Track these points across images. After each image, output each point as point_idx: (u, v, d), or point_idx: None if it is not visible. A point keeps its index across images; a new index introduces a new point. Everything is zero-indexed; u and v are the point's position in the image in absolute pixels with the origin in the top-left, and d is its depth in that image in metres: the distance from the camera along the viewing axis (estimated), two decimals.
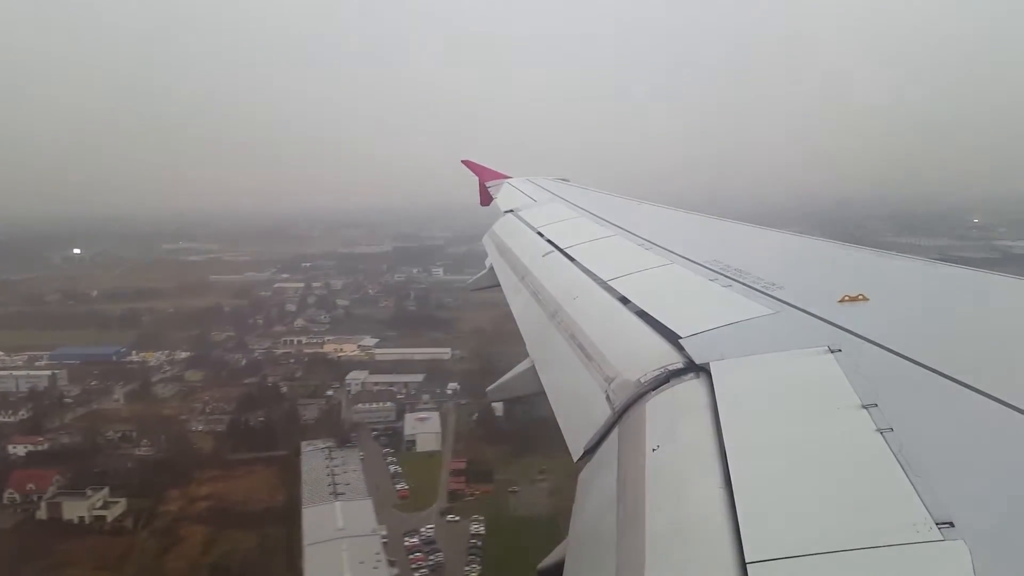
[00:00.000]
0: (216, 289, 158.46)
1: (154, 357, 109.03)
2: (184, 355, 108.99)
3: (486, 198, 18.12)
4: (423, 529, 62.05)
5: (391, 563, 53.10)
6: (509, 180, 18.31)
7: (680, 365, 3.86)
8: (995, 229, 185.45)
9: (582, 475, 3.57)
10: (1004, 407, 2.76)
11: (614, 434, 3.63)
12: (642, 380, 3.86)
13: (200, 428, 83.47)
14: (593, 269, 6.86)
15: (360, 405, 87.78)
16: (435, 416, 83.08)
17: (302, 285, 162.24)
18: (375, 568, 50.49)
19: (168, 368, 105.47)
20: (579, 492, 3.44)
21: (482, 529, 61.52)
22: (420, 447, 76.83)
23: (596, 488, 3.31)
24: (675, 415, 3.41)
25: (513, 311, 7.43)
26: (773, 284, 4.97)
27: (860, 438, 2.68)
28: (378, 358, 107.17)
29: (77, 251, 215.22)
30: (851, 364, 3.33)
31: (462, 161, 21.32)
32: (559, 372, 5.16)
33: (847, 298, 4.34)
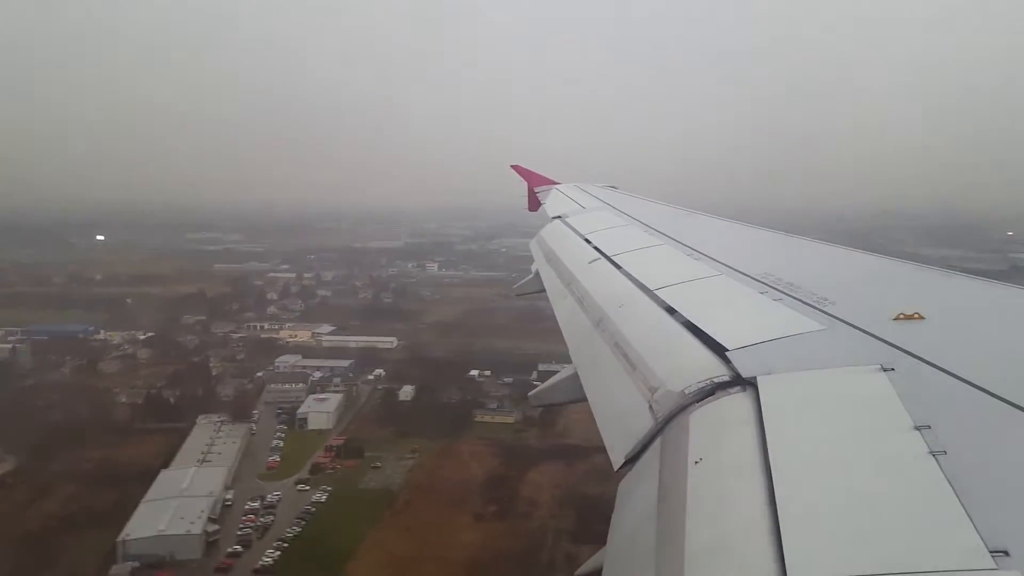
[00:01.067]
0: (212, 277, 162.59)
1: (118, 336, 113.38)
2: (144, 336, 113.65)
3: (534, 203, 18.41)
4: (270, 496, 65.25)
5: (212, 520, 58.29)
6: (558, 186, 18.38)
7: (726, 378, 3.83)
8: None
9: (622, 484, 3.56)
10: None
11: (656, 445, 3.62)
12: (687, 392, 3.83)
13: (123, 400, 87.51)
14: (640, 278, 6.82)
15: (274, 385, 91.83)
16: (335, 398, 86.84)
17: (294, 276, 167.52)
18: (191, 523, 56.10)
19: (127, 347, 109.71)
20: (619, 501, 3.43)
21: (323, 498, 64.84)
22: (311, 425, 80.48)
23: (636, 498, 3.30)
24: (720, 428, 3.37)
25: (558, 317, 7.42)
26: (825, 299, 4.89)
27: (911, 460, 2.63)
28: (325, 344, 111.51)
29: (100, 237, 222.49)
30: (904, 384, 3.27)
31: (512, 166, 21.56)
32: (602, 380, 5.15)
33: (902, 316, 4.25)
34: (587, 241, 9.93)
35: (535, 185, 19.43)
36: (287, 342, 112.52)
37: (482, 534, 57.66)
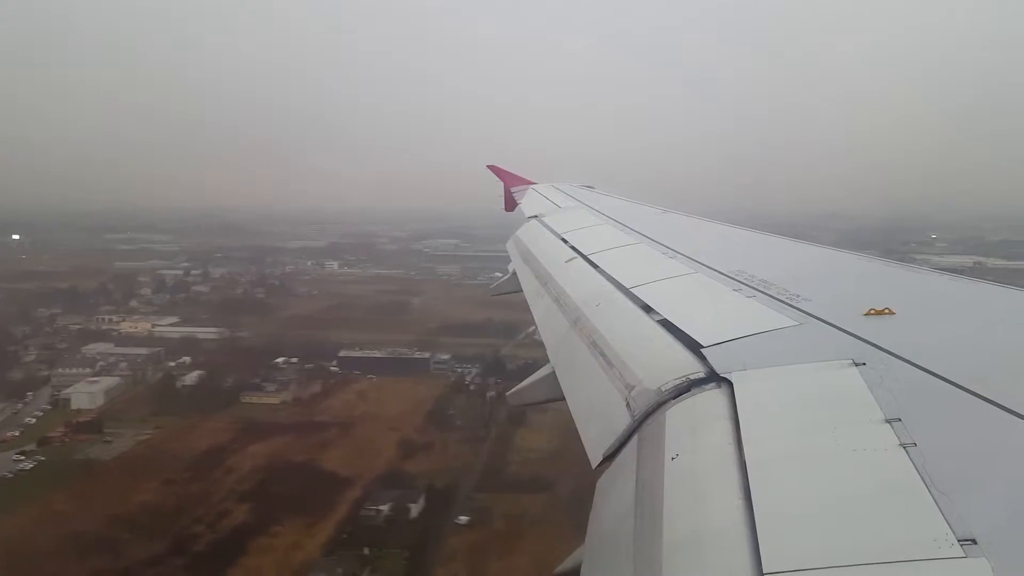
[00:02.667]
0: (102, 273, 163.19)
1: None
2: None
3: (510, 203, 18.23)
4: None
5: None
6: (534, 186, 18.33)
7: (702, 375, 3.85)
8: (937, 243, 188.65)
9: (600, 481, 3.57)
10: None
11: (633, 441, 3.63)
12: (663, 388, 3.85)
13: None
14: (616, 276, 6.85)
15: (62, 370, 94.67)
16: (109, 381, 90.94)
17: (181, 272, 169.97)
18: None
19: None
20: (597, 498, 3.43)
21: (29, 466, 68.65)
22: (74, 404, 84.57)
23: (614, 495, 3.31)
24: (695, 424, 3.39)
25: (535, 316, 7.43)
26: (798, 296, 4.95)
27: (882, 452, 2.66)
28: (157, 335, 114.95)
29: (16, 237, 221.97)
30: (875, 378, 3.31)
31: (488, 166, 21.40)
32: (580, 378, 5.16)
33: (873, 311, 4.32)
34: (563, 240, 9.93)
35: (511, 185, 19.28)
36: (118, 332, 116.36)
37: (154, 496, 61.72)
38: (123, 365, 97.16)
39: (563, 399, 5.10)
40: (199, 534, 56.58)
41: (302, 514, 59.06)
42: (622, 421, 3.88)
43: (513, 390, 6.68)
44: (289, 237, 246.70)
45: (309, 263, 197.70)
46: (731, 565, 2.25)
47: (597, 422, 4.20)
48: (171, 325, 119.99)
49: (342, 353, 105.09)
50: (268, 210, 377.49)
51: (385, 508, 59.40)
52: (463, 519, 59.08)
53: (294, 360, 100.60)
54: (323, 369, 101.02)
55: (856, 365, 3.50)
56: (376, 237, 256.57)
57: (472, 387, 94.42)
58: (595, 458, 3.80)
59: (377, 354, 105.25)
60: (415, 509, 59.80)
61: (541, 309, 7.50)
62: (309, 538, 56.45)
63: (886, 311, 4.31)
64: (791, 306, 4.74)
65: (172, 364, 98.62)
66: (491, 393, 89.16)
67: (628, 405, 4.01)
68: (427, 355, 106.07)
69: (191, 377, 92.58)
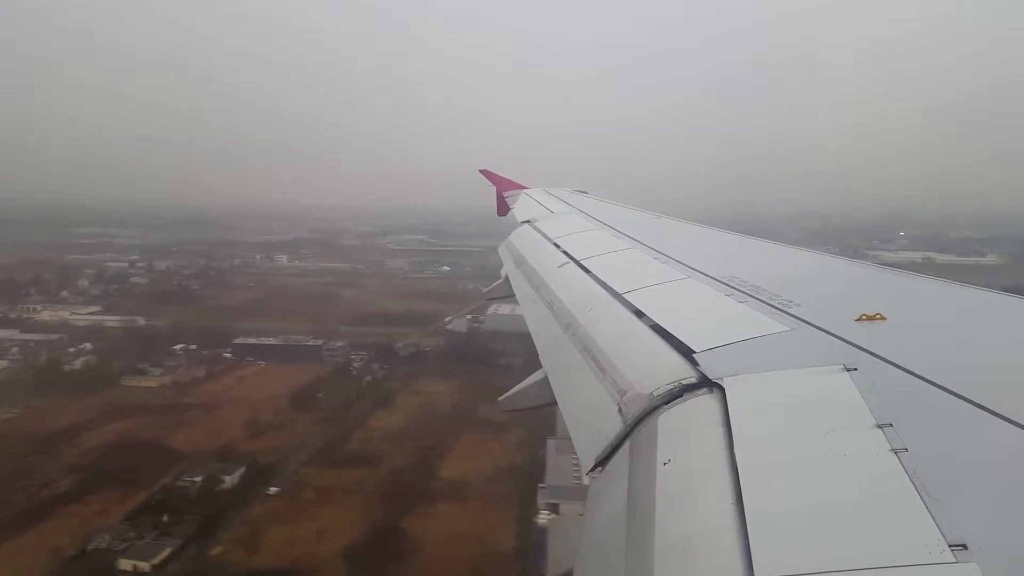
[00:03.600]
0: (48, 266, 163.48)
1: None
2: None
3: (503, 208, 18.15)
4: None
5: None
6: (526, 191, 18.26)
7: (694, 380, 3.86)
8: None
9: (592, 486, 3.59)
10: (1022, 431, 2.76)
11: (626, 447, 3.64)
12: (655, 394, 3.86)
13: None
14: (608, 281, 6.85)
15: None
16: None
17: (126, 264, 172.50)
18: None
19: None
20: (589, 503, 3.45)
21: None
22: None
23: (606, 500, 3.32)
24: (687, 430, 3.40)
25: (527, 321, 7.41)
26: (790, 301, 4.95)
27: (874, 458, 2.68)
28: (71, 323, 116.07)
29: None
30: (867, 383, 3.33)
31: (480, 171, 21.36)
32: (572, 383, 5.16)
33: (864, 317, 4.31)
34: (556, 245, 9.96)
35: (504, 190, 19.36)
36: (33, 320, 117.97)
37: None
38: (15, 350, 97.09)
39: (555, 404, 5.10)
40: (14, 501, 58.01)
41: (124, 485, 60.84)
42: (614, 427, 3.88)
43: (504, 396, 6.60)
44: (257, 232, 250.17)
45: (258, 256, 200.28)
46: (723, 570, 2.25)
47: (589, 428, 4.20)
48: (90, 314, 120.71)
49: (237, 340, 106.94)
50: (256, 207, 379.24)
51: (199, 480, 61.27)
52: (273, 490, 61.26)
53: (192, 347, 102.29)
54: (217, 356, 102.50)
55: (848, 370, 3.52)
56: (344, 233, 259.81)
57: (354, 372, 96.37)
58: (587, 464, 3.80)
59: (272, 341, 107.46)
60: (229, 481, 61.75)
61: (534, 314, 7.49)
62: (119, 506, 58.16)
63: (878, 316, 4.31)
64: (783, 311, 4.75)
65: (71, 350, 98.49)
66: (368, 378, 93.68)
67: (620, 411, 4.01)
68: (320, 343, 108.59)
69: (79, 361, 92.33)
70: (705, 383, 3.79)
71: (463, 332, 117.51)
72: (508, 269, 10.66)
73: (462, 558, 52.08)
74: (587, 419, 4.39)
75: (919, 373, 3.37)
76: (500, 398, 6.57)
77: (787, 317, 4.61)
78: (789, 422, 3.26)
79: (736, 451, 2.94)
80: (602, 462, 3.72)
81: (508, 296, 9.81)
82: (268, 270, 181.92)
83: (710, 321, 4.98)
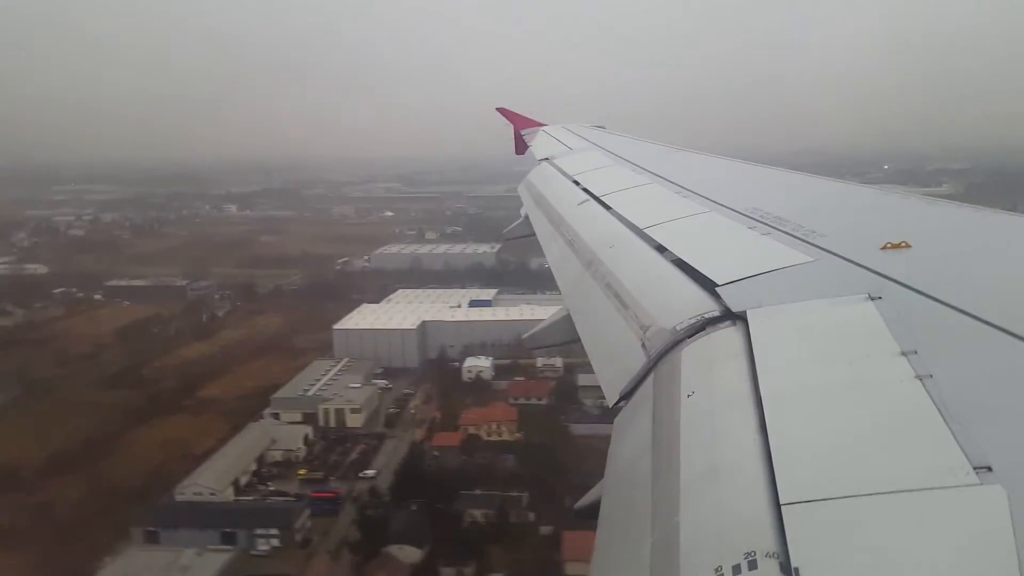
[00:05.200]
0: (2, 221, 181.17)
1: None
2: None
3: (521, 146, 17.94)
4: None
5: None
6: (544, 128, 17.90)
7: (716, 313, 3.85)
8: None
9: (617, 420, 3.63)
10: None
11: (649, 380, 3.66)
12: (678, 328, 3.86)
13: None
14: (629, 217, 6.77)
15: None
16: None
17: (72, 219, 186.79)
18: None
19: None
20: (614, 436, 3.49)
21: None
22: None
23: (631, 432, 3.35)
24: (710, 362, 3.41)
25: (548, 260, 7.38)
26: (813, 232, 4.87)
27: (898, 384, 2.67)
28: None
29: None
30: (891, 311, 3.31)
31: (497, 109, 21.06)
32: (595, 320, 5.17)
33: (889, 245, 4.26)
34: (575, 182, 9.81)
35: (521, 128, 19.09)
36: None
37: None
38: None
39: (579, 341, 5.12)
40: None
41: None
42: (637, 361, 3.90)
43: (529, 333, 6.66)
44: (234, 184, 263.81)
45: (207, 208, 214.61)
46: (748, 496, 2.28)
47: (613, 363, 4.22)
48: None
49: (110, 283, 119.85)
50: (256, 159, 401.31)
51: None
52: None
53: (73, 290, 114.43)
54: (87, 298, 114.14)
55: (872, 299, 3.49)
56: (319, 183, 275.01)
57: (204, 309, 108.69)
58: (612, 397, 3.83)
59: (142, 283, 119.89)
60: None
61: (554, 252, 7.44)
62: None
63: (903, 244, 4.25)
64: (806, 242, 4.68)
65: None
66: (209, 314, 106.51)
67: (643, 345, 4.02)
68: (185, 283, 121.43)
69: None
70: (728, 316, 3.79)
71: (351, 272, 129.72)
72: (528, 208, 10.55)
73: (150, 460, 62.07)
74: (611, 354, 4.43)
75: (945, 300, 3.34)
76: (524, 335, 6.59)
77: (811, 248, 4.55)
78: (813, 352, 3.26)
79: (760, 381, 2.95)
80: (626, 396, 3.77)
81: (528, 235, 9.70)
82: (209, 220, 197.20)
83: (733, 254, 4.94)
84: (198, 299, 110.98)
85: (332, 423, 71.97)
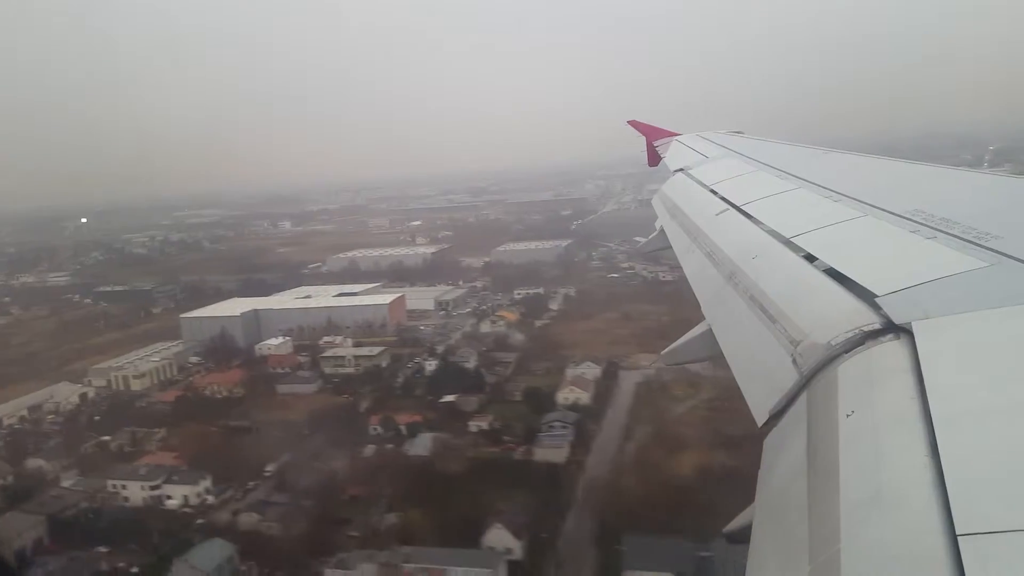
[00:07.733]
0: (84, 244, 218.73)
1: None
2: None
3: (654, 158, 17.91)
4: None
5: None
6: (678, 137, 17.70)
7: (877, 326, 3.62)
8: None
9: (768, 440, 3.49)
10: None
11: (802, 399, 3.51)
12: (833, 342, 3.66)
13: None
14: (773, 226, 6.53)
15: None
16: None
17: (147, 239, 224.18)
18: None
19: None
20: (765, 457, 3.36)
21: None
22: None
23: (784, 454, 3.22)
24: (872, 379, 3.21)
25: (686, 273, 7.25)
26: (987, 234, 4.46)
27: None
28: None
29: (84, 220, 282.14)
30: None
31: (628, 122, 21.19)
32: (739, 335, 5.00)
33: None
34: (713, 192, 9.62)
35: (654, 139, 19.01)
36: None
37: None
38: None
39: (721, 356, 4.97)
40: None
41: None
42: (788, 378, 3.74)
43: (667, 349, 6.56)
44: (317, 203, 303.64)
45: (265, 224, 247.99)
46: (920, 525, 2.12)
47: (761, 380, 4.07)
48: (35, 275, 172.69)
49: (100, 288, 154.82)
50: (361, 182, 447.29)
51: None
52: None
53: (76, 297, 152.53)
54: (79, 302, 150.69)
55: None
56: (387, 201, 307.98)
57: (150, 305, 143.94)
58: (761, 416, 3.70)
59: (120, 288, 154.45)
60: None
61: (692, 265, 7.31)
62: None
63: None
64: (979, 245, 4.30)
65: None
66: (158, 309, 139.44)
67: (794, 361, 3.85)
68: (149, 287, 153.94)
69: None
70: (890, 328, 3.54)
71: (329, 272, 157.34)
72: (662, 220, 10.40)
73: None
74: (758, 371, 4.26)
75: None
76: (663, 351, 6.54)
77: (984, 251, 4.19)
78: (990, 367, 3.01)
79: (929, 400, 2.75)
80: (777, 415, 3.62)
81: (664, 248, 9.56)
82: (259, 234, 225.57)
83: (893, 261, 4.63)
84: (159, 300, 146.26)
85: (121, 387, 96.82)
